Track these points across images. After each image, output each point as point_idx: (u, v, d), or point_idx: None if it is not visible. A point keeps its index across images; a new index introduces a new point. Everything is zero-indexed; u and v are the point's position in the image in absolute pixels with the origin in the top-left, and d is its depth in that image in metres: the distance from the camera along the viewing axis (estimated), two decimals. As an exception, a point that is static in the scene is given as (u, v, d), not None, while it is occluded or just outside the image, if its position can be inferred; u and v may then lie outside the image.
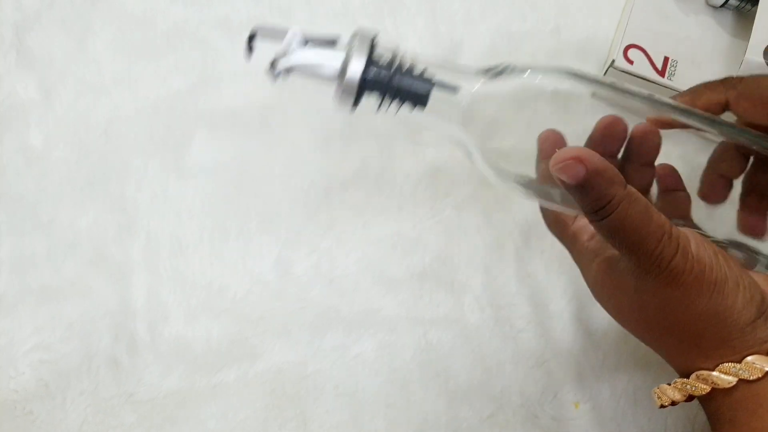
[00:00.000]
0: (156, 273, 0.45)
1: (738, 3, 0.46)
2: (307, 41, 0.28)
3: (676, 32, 0.47)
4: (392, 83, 0.28)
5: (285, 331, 0.44)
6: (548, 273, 0.44)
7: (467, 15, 0.49)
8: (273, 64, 0.27)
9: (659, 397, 0.29)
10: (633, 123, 0.30)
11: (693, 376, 0.27)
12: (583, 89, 0.30)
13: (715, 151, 0.31)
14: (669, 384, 0.29)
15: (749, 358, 0.25)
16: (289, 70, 0.27)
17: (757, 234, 0.31)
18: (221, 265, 0.45)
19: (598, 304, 0.40)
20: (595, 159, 0.24)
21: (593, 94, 0.30)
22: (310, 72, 0.28)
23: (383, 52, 0.28)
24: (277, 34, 0.28)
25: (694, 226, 0.31)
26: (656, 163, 0.31)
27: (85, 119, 0.47)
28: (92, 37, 0.48)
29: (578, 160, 0.24)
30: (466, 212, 0.45)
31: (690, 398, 0.28)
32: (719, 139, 0.31)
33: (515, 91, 0.29)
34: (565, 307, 0.44)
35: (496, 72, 0.29)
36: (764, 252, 0.31)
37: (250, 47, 0.28)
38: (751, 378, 0.25)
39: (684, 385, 0.27)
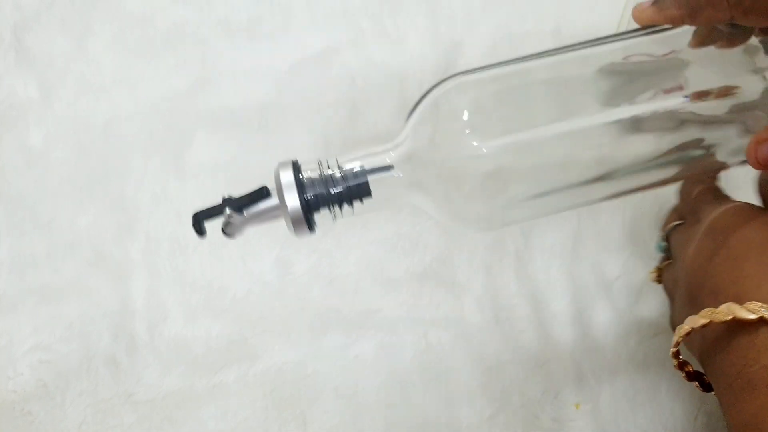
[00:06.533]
0: (155, 273, 0.45)
1: (738, 3, 0.46)
2: (240, 202, 0.30)
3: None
4: (331, 194, 0.29)
5: (285, 331, 0.44)
6: (548, 273, 0.44)
7: (467, 15, 0.48)
8: (225, 231, 0.29)
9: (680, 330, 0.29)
10: None
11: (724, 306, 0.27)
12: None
13: None
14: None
15: None
16: (242, 229, 0.29)
17: None
18: (221, 265, 0.45)
19: (598, 304, 0.39)
20: None
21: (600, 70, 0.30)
22: (261, 221, 0.30)
23: (309, 170, 0.30)
24: (215, 210, 0.29)
25: None
26: None
27: (85, 119, 0.47)
28: (92, 37, 0.48)
29: None
30: (467, 212, 0.45)
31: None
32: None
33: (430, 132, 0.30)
34: (566, 308, 0.44)
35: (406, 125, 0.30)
36: None
37: (200, 230, 0.29)
38: None
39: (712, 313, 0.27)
